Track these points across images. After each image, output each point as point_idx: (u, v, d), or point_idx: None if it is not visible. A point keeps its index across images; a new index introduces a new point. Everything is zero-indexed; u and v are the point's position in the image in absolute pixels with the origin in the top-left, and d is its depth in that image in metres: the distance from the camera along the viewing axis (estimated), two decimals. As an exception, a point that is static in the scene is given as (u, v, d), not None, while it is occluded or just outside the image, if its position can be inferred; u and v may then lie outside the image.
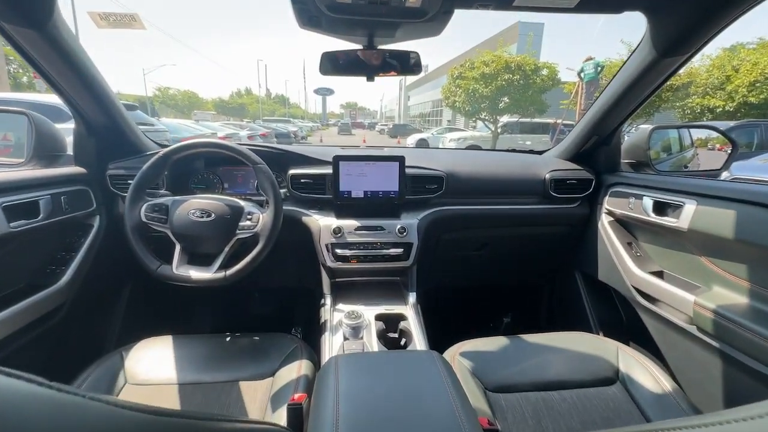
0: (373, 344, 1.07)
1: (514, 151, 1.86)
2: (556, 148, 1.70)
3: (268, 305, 1.95)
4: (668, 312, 1.16)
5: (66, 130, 1.34)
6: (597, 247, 1.48)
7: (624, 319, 1.45)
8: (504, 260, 1.74)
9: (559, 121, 12.60)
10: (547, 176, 1.49)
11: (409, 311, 1.23)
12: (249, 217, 1.11)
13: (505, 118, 14.83)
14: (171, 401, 0.94)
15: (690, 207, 1.08)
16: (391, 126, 34.32)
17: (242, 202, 1.15)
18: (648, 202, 1.24)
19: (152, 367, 1.03)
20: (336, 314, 1.19)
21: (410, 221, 1.34)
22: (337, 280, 1.36)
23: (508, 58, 13.19)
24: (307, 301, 1.90)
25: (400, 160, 1.33)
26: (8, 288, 1.03)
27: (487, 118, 14.41)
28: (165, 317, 1.68)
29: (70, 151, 1.34)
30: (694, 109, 11.89)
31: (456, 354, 1.10)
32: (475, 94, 13.32)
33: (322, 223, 1.30)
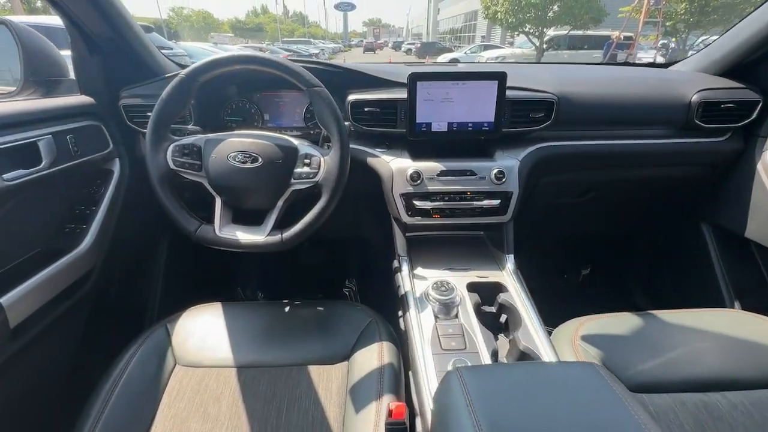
0: (472, 324, 0.83)
1: (627, 64, 1.41)
2: (693, 59, 1.26)
3: (318, 255, 1.75)
4: None
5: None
6: (749, 194, 1.12)
7: None
8: (609, 209, 1.42)
9: (619, 33, 10.94)
10: (695, 98, 1.08)
11: (507, 279, 0.98)
12: (307, 161, 0.83)
13: (551, 31, 13.04)
14: (230, 389, 0.78)
15: None
16: (419, 45, 31.57)
17: (295, 141, 0.86)
18: None
19: (204, 345, 0.86)
20: (417, 283, 0.95)
21: (509, 162, 1.01)
22: (407, 235, 1.10)
23: (564, -46, 11.12)
24: (362, 250, 1.69)
25: (500, 78, 0.96)
26: (20, 256, 0.83)
27: (531, 31, 12.71)
28: (208, 275, 1.52)
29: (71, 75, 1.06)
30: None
31: (576, 338, 0.86)
32: (521, 2, 11.57)
33: (394, 166, 1.00)
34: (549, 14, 12.06)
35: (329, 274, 1.74)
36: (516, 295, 0.92)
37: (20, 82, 0.96)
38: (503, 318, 0.93)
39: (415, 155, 1.03)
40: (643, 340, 0.85)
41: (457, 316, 0.86)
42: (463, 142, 1.06)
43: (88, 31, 0.92)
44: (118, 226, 1.00)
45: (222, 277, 1.59)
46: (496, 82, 0.97)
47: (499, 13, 12.49)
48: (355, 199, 1.24)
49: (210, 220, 0.85)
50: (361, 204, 1.25)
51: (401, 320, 0.99)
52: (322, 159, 0.83)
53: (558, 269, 1.83)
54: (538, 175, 1.14)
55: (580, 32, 12.71)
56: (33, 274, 0.79)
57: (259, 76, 1.03)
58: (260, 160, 0.81)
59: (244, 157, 0.81)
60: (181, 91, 0.81)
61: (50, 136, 0.83)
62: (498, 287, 0.96)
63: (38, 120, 0.83)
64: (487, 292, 0.95)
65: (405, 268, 1.00)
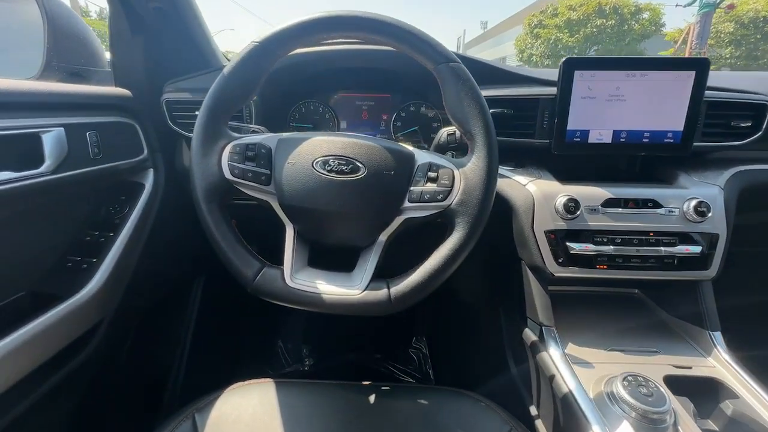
0: None
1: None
2: None
3: None
4: None
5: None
6: None
7: None
8: None
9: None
10: None
11: (726, 373, 0.61)
12: (432, 174, 0.53)
13: (588, 74, 12.91)
14: None
15: None
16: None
17: (410, 147, 0.57)
18: None
19: None
20: (584, 372, 0.60)
21: (709, 191, 0.68)
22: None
23: (602, 0, 11.14)
24: (440, 300, 1.34)
25: (699, 66, 0.66)
26: None
27: (567, 73, 12.62)
28: (243, 324, 1.20)
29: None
30: None
31: None
32: (558, 44, 11.56)
33: (534, 190, 0.69)
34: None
35: (391, 329, 1.39)
36: (759, 405, 0.55)
37: (40, 67, 0.74)
38: None
39: (563, 176, 0.72)
40: None
41: None
42: (630, 159, 0.75)
43: None
44: (141, 261, 0.72)
45: (261, 327, 1.28)
46: (693, 72, 0.66)
47: (534, 56, 12.53)
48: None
49: (278, 261, 0.55)
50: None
51: None
52: (455, 172, 0.53)
53: None
54: (740, 210, 0.79)
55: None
56: (8, 333, 0.51)
57: (340, 66, 0.76)
58: (363, 169, 0.52)
59: (340, 164, 0.52)
60: (253, 66, 0.54)
61: (62, 128, 0.58)
62: (713, 386, 0.60)
63: (48, 106, 0.59)
64: (695, 392, 0.59)
65: (553, 347, 0.65)
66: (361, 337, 1.39)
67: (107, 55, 0.87)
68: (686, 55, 10.55)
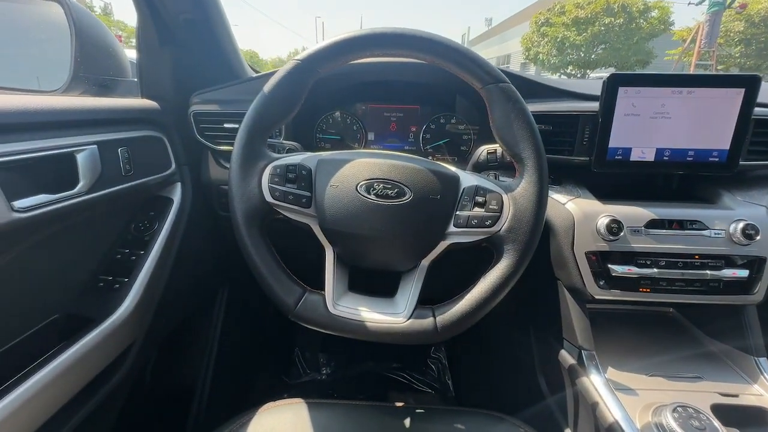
0: None
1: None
2: None
3: None
4: None
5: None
6: None
7: None
8: None
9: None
10: None
11: None
12: (480, 198, 0.51)
13: (594, 74, 12.80)
14: None
15: None
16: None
17: (453, 168, 0.55)
18: None
19: None
20: (628, 400, 0.59)
21: (755, 212, 0.66)
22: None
23: (611, -2, 11.03)
24: None
25: (749, 84, 0.64)
26: (26, 328, 0.53)
27: (573, 72, 12.52)
28: (261, 332, 1.19)
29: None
30: None
31: None
32: (565, 42, 11.46)
33: (574, 209, 0.67)
34: (592, 56, 11.87)
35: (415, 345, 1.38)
36: None
37: (67, 78, 0.72)
38: None
39: (603, 195, 0.70)
40: None
41: None
42: (659, 177, 0.74)
43: (162, 8, 0.68)
44: (171, 278, 0.70)
45: (278, 336, 1.26)
46: (743, 90, 0.64)
47: (540, 54, 12.42)
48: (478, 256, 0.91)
49: (319, 287, 0.54)
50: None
51: None
52: (504, 197, 0.51)
53: None
54: None
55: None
56: (47, 361, 0.49)
57: (368, 80, 0.75)
58: (409, 193, 0.50)
59: (385, 188, 0.50)
60: (294, 85, 0.52)
61: (95, 146, 0.57)
62: (762, 416, 0.58)
63: (81, 123, 0.57)
64: (743, 423, 0.58)
65: (595, 373, 0.63)
66: (378, 345, 1.37)
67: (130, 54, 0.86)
68: (695, 54, 10.44)
